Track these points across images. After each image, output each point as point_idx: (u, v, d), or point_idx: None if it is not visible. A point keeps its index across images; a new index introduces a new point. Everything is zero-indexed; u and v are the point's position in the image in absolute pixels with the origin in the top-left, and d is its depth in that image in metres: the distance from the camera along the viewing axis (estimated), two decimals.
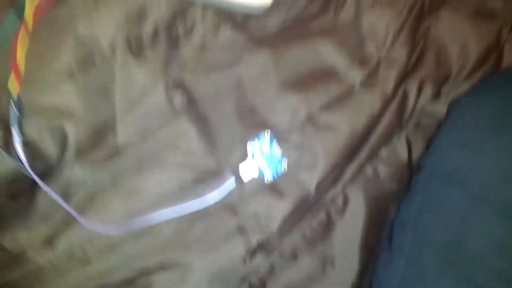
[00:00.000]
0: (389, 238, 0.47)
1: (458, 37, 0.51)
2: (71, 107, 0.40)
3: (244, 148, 0.43)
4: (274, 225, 0.43)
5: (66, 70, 0.40)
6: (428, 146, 0.49)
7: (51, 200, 0.39)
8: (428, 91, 0.49)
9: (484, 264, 0.39)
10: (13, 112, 0.37)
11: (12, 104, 0.37)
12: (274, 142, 0.43)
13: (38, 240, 0.40)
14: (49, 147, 0.39)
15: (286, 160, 0.43)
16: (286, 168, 0.43)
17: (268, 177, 0.43)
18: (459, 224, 0.41)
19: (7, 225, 0.40)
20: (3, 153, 0.38)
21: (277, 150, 0.43)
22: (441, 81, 0.50)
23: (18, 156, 0.38)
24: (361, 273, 0.46)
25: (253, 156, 0.43)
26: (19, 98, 0.38)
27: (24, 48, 0.39)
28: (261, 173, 0.43)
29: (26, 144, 0.39)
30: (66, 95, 0.40)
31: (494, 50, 0.52)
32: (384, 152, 0.49)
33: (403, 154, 0.50)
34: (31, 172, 0.38)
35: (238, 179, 0.42)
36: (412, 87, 0.49)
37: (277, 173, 0.43)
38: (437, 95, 0.50)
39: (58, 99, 0.39)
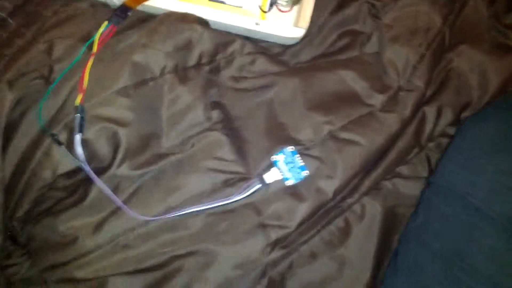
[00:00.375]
0: (396, 249, 0.50)
1: (478, 69, 0.55)
2: (125, 119, 0.47)
3: (270, 160, 0.49)
4: (293, 223, 0.47)
5: (123, 89, 0.48)
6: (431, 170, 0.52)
7: (102, 193, 0.46)
8: (447, 116, 0.53)
9: (484, 276, 0.42)
10: (77, 117, 0.45)
11: (76, 111, 0.46)
12: (297, 155, 0.48)
13: (89, 227, 0.46)
14: (104, 149, 0.47)
15: (307, 169, 0.48)
16: (307, 175, 0.48)
17: (290, 182, 0.48)
18: (460, 237, 0.44)
19: (65, 213, 0.47)
20: (67, 151, 0.46)
21: (299, 160, 0.48)
22: (461, 107, 0.54)
23: (78, 155, 0.46)
24: (374, 276, 0.49)
25: (277, 165, 0.48)
26: (81, 105, 0.46)
27: (88, 68, 0.48)
28: (283, 179, 0.48)
29: (86, 146, 0.46)
30: (122, 109, 0.47)
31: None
32: (404, 170, 0.53)
33: (423, 171, 0.53)
34: (88, 168, 0.45)
35: (263, 182, 0.47)
36: (431, 111, 0.53)
37: (298, 179, 0.48)
38: (457, 119, 0.54)
39: (115, 111, 0.47)
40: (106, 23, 0.50)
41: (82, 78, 0.47)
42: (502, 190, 0.43)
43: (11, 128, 0.48)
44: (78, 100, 0.46)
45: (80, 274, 0.47)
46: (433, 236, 0.46)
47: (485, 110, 0.53)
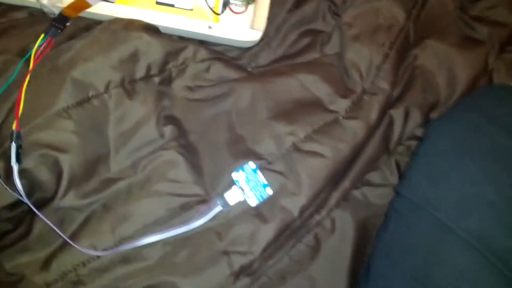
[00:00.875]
0: (368, 261, 0.47)
1: (445, 65, 0.52)
2: (67, 143, 0.43)
3: (230, 176, 0.45)
4: (257, 249, 0.44)
5: (63, 109, 0.43)
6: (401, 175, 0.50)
7: (47, 226, 0.42)
8: (415, 117, 0.51)
9: None
10: (12, 146, 0.41)
11: (12, 138, 0.41)
12: (258, 171, 0.45)
13: (36, 263, 0.43)
14: (46, 178, 0.43)
15: (270, 187, 0.45)
16: (270, 194, 0.45)
17: (252, 202, 0.44)
18: (426, 254, 0.42)
19: (9, 250, 0.43)
20: (3, 184, 0.42)
21: (261, 178, 0.45)
22: (429, 107, 0.52)
23: (17, 188, 0.42)
24: None
25: (238, 184, 0.45)
26: (18, 132, 0.42)
27: (25, 88, 0.43)
28: (245, 199, 0.45)
29: (25, 176, 0.42)
30: (63, 132, 0.43)
31: (482, 76, 0.53)
32: (373, 177, 0.50)
33: (393, 177, 0.50)
34: (28, 202, 0.41)
35: (224, 204, 0.44)
36: (398, 114, 0.50)
37: (261, 199, 0.45)
38: (426, 121, 0.51)
39: (55, 135, 0.43)
40: (42, 36, 0.46)
41: (18, 100, 0.43)
42: (468, 202, 0.41)
43: None
44: (14, 125, 0.42)
45: None
46: (402, 252, 0.44)
47: (450, 110, 0.50)
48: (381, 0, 0.51)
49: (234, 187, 0.45)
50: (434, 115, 0.52)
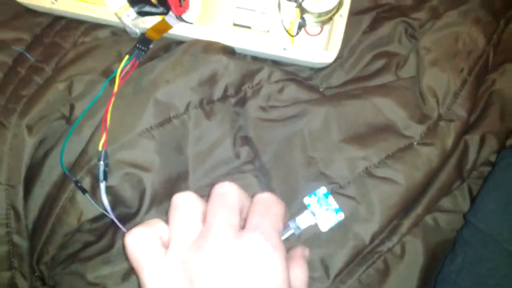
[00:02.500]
0: None
1: None
2: (149, 162, 0.45)
3: (301, 199, 0.46)
4: (331, 275, 0.44)
5: (147, 129, 0.45)
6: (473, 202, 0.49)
7: None
8: (491, 144, 0.50)
9: None
10: (100, 164, 0.43)
11: (99, 156, 0.44)
12: (330, 196, 0.46)
13: (117, 275, 0.45)
14: (130, 195, 0.45)
15: (343, 212, 0.45)
16: (342, 218, 0.45)
17: (324, 227, 0.45)
18: None
19: (92, 261, 0.45)
20: (91, 199, 0.44)
21: (333, 202, 0.45)
22: (506, 133, 0.50)
23: (104, 205, 0.44)
24: None
25: (309, 208, 0.45)
26: (105, 151, 0.44)
27: (110, 109, 0.45)
28: (317, 224, 0.45)
29: (110, 192, 0.45)
30: (146, 152, 0.45)
31: None
32: (444, 202, 0.50)
33: (465, 204, 0.50)
34: (113, 216, 0.44)
35: (296, 227, 0.45)
36: (473, 141, 0.49)
37: (333, 224, 0.45)
38: (502, 147, 0.50)
39: (139, 156, 0.45)
40: (127, 57, 0.48)
41: (104, 119, 0.45)
42: None
43: (32, 172, 0.47)
44: (101, 144, 0.44)
45: None
46: (471, 283, 0.43)
47: None
48: (461, 24, 0.50)
49: (306, 211, 0.45)
50: (511, 142, 0.51)
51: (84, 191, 0.44)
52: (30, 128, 0.46)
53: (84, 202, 0.45)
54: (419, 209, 0.47)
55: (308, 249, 0.42)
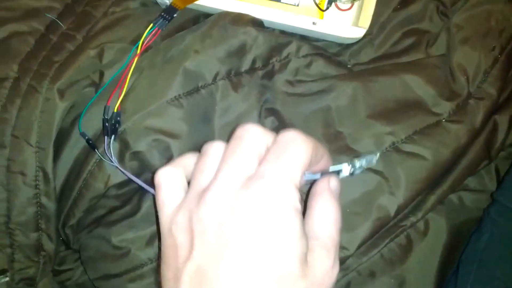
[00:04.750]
0: (457, 267, 0.47)
1: None
2: (178, 130, 0.45)
3: None
4: (353, 246, 0.44)
5: (175, 97, 0.46)
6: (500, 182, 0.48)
7: (153, 205, 0.45)
8: None
9: None
10: (111, 125, 0.44)
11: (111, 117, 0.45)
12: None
13: (142, 240, 0.46)
14: (157, 161, 0.45)
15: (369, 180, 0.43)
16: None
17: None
18: None
19: (118, 225, 0.46)
20: (118, 166, 0.45)
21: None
22: None
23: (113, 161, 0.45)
24: None
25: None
26: (118, 113, 0.45)
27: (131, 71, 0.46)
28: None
29: (138, 158, 0.45)
30: (174, 119, 0.45)
31: None
32: (471, 182, 0.49)
33: (492, 184, 0.49)
34: (138, 180, 0.44)
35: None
36: (503, 120, 0.49)
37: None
38: None
39: (167, 123, 0.45)
40: (150, 26, 0.48)
41: (123, 80, 0.46)
42: None
43: (62, 137, 0.48)
44: (117, 105, 0.45)
45: (133, 286, 0.46)
46: (496, 261, 0.43)
47: None
48: (494, 2, 0.49)
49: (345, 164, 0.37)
50: None
51: (94, 147, 0.45)
52: (61, 93, 0.46)
53: (112, 167, 0.46)
54: (445, 186, 0.47)
55: (335, 177, 0.36)
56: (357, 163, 0.36)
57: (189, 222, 0.31)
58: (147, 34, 0.48)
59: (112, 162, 0.45)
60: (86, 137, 0.46)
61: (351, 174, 0.36)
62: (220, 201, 0.30)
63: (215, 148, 0.34)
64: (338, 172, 0.36)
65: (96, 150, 0.45)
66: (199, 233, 0.30)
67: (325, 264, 0.31)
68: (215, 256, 0.29)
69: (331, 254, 0.32)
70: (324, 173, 0.36)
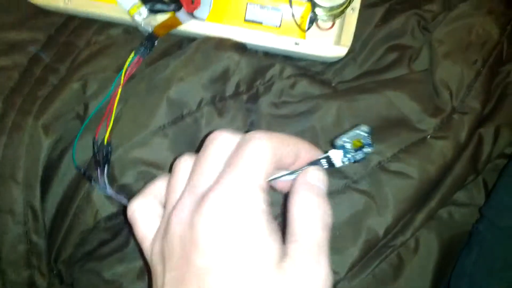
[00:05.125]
0: (448, 283, 0.47)
1: None
2: (163, 160, 0.46)
3: None
4: (343, 270, 0.45)
5: (160, 127, 0.46)
6: (488, 195, 0.48)
7: None
8: (506, 136, 0.49)
9: None
10: (102, 156, 0.45)
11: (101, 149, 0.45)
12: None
13: (132, 273, 0.46)
14: None
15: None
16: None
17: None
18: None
19: (108, 259, 0.46)
20: (113, 194, 0.45)
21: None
22: None
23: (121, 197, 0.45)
24: None
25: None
26: (108, 143, 0.45)
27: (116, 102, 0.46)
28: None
29: (125, 191, 0.45)
30: (160, 150, 0.46)
31: None
32: (459, 196, 0.49)
33: (480, 197, 0.50)
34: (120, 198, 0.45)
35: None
36: (488, 133, 0.49)
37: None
38: None
39: (153, 153, 0.45)
40: (132, 54, 0.48)
41: (108, 111, 0.46)
42: None
43: (49, 171, 0.48)
44: (107, 136, 0.45)
45: None
46: (485, 276, 0.43)
47: None
48: (474, 16, 0.49)
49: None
50: None
51: (91, 180, 0.45)
52: (46, 129, 0.46)
53: (100, 201, 0.46)
54: (432, 203, 0.47)
55: (313, 170, 0.32)
56: (347, 143, 0.33)
57: (161, 249, 0.30)
58: (130, 63, 0.48)
59: (107, 193, 0.45)
60: (83, 171, 0.46)
61: (352, 161, 0.34)
62: (181, 221, 0.29)
63: (183, 164, 0.33)
64: (331, 165, 0.34)
65: (93, 181, 0.45)
66: (167, 258, 0.29)
67: (308, 269, 0.28)
68: (180, 279, 0.28)
69: (314, 256, 0.29)
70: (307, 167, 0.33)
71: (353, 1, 0.51)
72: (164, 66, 0.48)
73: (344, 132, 0.33)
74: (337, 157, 0.34)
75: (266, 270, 0.27)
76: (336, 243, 0.45)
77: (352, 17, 0.51)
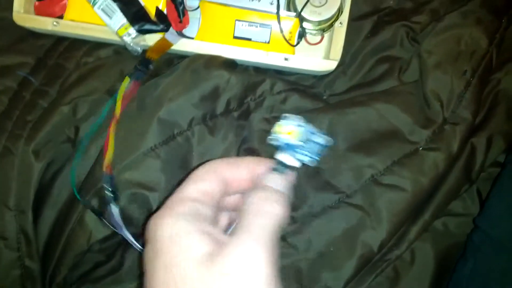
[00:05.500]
0: None
1: None
2: (155, 181, 0.45)
3: (309, 209, 0.46)
4: (339, 286, 0.44)
5: (151, 148, 0.46)
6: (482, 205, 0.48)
7: (137, 260, 0.45)
8: (499, 145, 0.49)
9: None
10: (107, 190, 0.44)
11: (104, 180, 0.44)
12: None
13: None
14: (137, 215, 0.45)
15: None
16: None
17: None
18: None
19: (103, 281, 0.46)
20: (105, 221, 0.44)
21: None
22: None
23: (114, 223, 0.44)
24: None
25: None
26: (110, 175, 0.44)
27: (113, 130, 0.46)
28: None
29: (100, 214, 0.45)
30: (152, 171, 0.45)
31: None
32: (454, 206, 0.49)
33: (474, 206, 0.50)
34: (128, 234, 0.44)
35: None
36: (480, 142, 0.49)
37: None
38: (510, 147, 0.50)
39: (145, 175, 0.45)
40: (127, 79, 0.48)
41: (106, 143, 0.46)
42: None
43: (41, 194, 0.48)
44: (105, 167, 0.45)
45: None
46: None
47: None
48: (462, 26, 0.49)
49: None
50: None
51: (100, 214, 0.45)
52: (36, 153, 0.46)
53: (93, 223, 0.45)
54: (427, 215, 0.47)
55: (264, 174, 0.34)
56: (289, 139, 0.34)
57: None
58: (125, 88, 0.48)
59: (117, 230, 0.44)
60: (92, 207, 0.45)
61: (313, 157, 0.34)
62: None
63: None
64: (289, 167, 0.34)
65: (103, 219, 0.45)
66: None
67: (243, 258, 0.28)
68: None
69: (252, 244, 0.29)
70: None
71: (341, 15, 0.51)
72: (154, 86, 0.48)
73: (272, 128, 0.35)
74: (288, 158, 0.34)
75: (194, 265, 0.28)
76: (331, 259, 0.45)
77: (340, 30, 0.51)
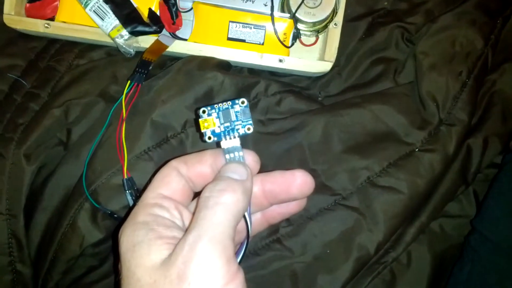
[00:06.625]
0: None
1: None
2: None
3: (304, 214, 0.46)
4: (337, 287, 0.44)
5: (145, 151, 0.45)
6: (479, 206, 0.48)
7: None
8: (495, 146, 0.49)
9: None
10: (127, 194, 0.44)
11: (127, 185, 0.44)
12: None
13: None
14: None
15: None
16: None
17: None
18: None
19: (96, 286, 0.46)
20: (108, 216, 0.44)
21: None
22: (509, 135, 0.50)
23: None
24: None
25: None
26: (129, 178, 0.44)
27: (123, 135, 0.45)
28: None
29: (111, 217, 0.45)
30: (145, 174, 0.45)
31: None
32: (450, 208, 0.49)
33: (471, 208, 0.49)
34: None
35: None
36: (476, 144, 0.49)
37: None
38: (506, 149, 0.49)
39: (137, 178, 0.44)
40: (128, 83, 0.47)
41: (119, 148, 0.45)
42: None
43: (33, 198, 0.47)
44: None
45: None
46: None
47: None
48: (458, 27, 0.49)
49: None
50: None
51: (119, 220, 0.44)
52: (28, 157, 0.46)
53: (86, 227, 0.45)
54: (423, 217, 0.47)
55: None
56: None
57: None
58: (127, 91, 0.47)
59: None
60: (109, 212, 0.45)
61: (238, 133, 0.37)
62: None
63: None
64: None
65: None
66: None
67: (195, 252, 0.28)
68: None
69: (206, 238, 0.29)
70: None
71: (336, 16, 0.51)
72: (147, 88, 0.48)
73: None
74: (228, 142, 0.36)
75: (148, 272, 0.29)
76: (327, 261, 0.45)
77: (335, 31, 0.51)
